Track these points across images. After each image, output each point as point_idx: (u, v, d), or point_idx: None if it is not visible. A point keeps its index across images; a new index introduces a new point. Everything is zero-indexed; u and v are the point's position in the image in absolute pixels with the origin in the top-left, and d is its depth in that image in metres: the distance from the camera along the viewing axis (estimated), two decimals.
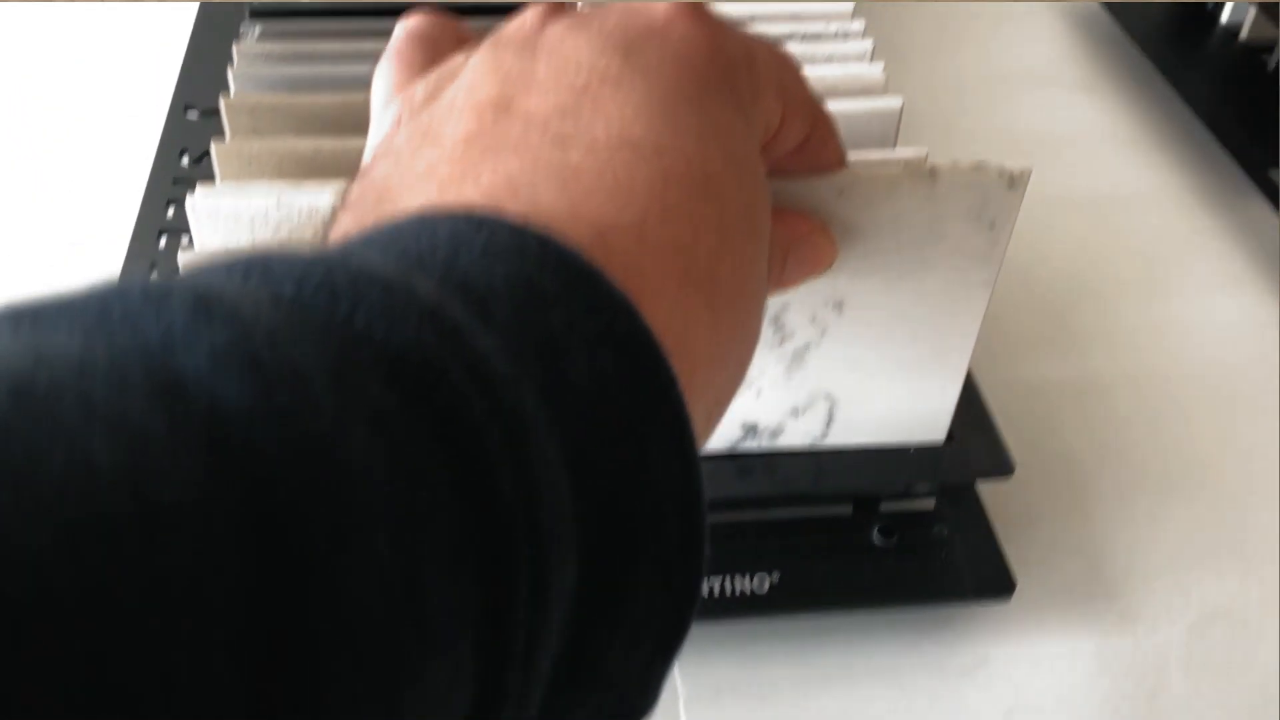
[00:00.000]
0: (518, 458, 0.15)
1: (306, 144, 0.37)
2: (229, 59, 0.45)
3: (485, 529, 0.15)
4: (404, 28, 0.27)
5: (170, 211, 0.50)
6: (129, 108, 0.61)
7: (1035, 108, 0.63)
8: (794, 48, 0.42)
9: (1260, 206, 0.55)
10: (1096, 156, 0.60)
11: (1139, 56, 0.65)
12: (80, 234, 0.54)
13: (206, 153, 0.53)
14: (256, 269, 0.16)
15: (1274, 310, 0.51)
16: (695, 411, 0.19)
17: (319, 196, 0.35)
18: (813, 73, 0.41)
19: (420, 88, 0.25)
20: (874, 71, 0.41)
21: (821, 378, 0.35)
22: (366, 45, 0.41)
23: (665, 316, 0.19)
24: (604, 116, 0.21)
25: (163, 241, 0.49)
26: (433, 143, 0.22)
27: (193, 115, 0.55)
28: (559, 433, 0.16)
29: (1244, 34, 0.64)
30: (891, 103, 0.40)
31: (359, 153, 0.38)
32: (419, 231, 0.18)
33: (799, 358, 0.34)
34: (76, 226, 0.54)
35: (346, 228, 0.22)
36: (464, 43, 0.28)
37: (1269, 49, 0.61)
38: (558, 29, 0.23)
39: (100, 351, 0.13)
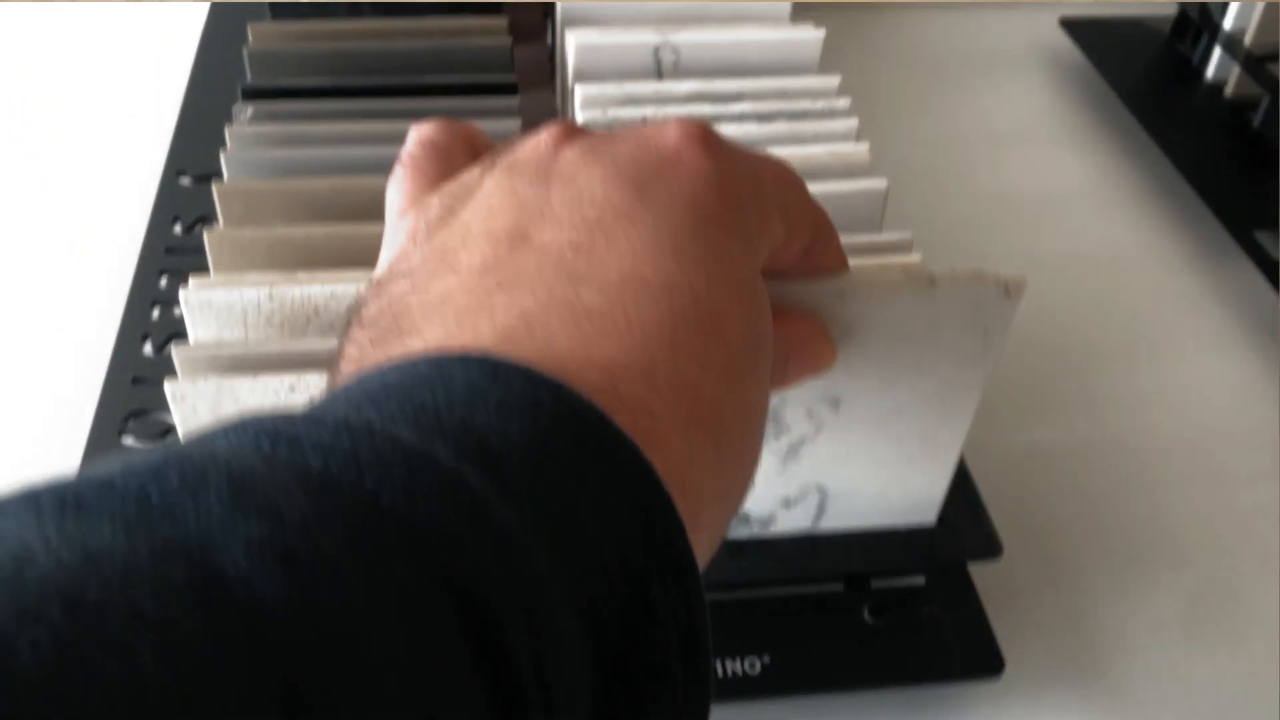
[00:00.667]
0: (533, 630, 0.16)
1: (298, 231, 0.38)
2: (220, 126, 0.45)
3: (503, 701, 0.16)
4: (417, 135, 0.28)
5: (163, 281, 0.51)
6: (130, 108, 0.62)
7: (1021, 164, 0.64)
8: (781, 126, 0.43)
9: (1247, 266, 0.55)
10: (1081, 215, 0.61)
11: (1123, 112, 0.65)
12: (80, 234, 0.54)
13: (199, 219, 0.54)
14: (284, 439, 0.16)
15: (1263, 374, 0.52)
16: (698, 543, 0.20)
17: (311, 288, 0.35)
18: (799, 152, 0.41)
19: (435, 204, 0.25)
20: (859, 151, 0.42)
21: (815, 471, 0.35)
22: (357, 127, 0.42)
23: (674, 459, 0.20)
24: (616, 254, 0.22)
25: (156, 313, 0.49)
26: (449, 269, 0.22)
27: (185, 181, 0.56)
28: (572, 595, 0.17)
29: (1229, 90, 0.64)
30: (877, 184, 0.40)
31: (349, 239, 0.38)
32: (435, 382, 0.18)
33: (794, 451, 0.34)
34: (76, 227, 0.55)
35: (362, 346, 0.22)
36: (477, 150, 0.28)
37: (1253, 106, 0.62)
38: (572, 156, 0.24)
39: (143, 549, 0.14)
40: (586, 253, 0.22)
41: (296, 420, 0.17)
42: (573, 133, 0.25)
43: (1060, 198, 0.62)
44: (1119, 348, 0.53)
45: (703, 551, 0.21)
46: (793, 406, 0.33)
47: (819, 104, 0.44)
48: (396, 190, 0.27)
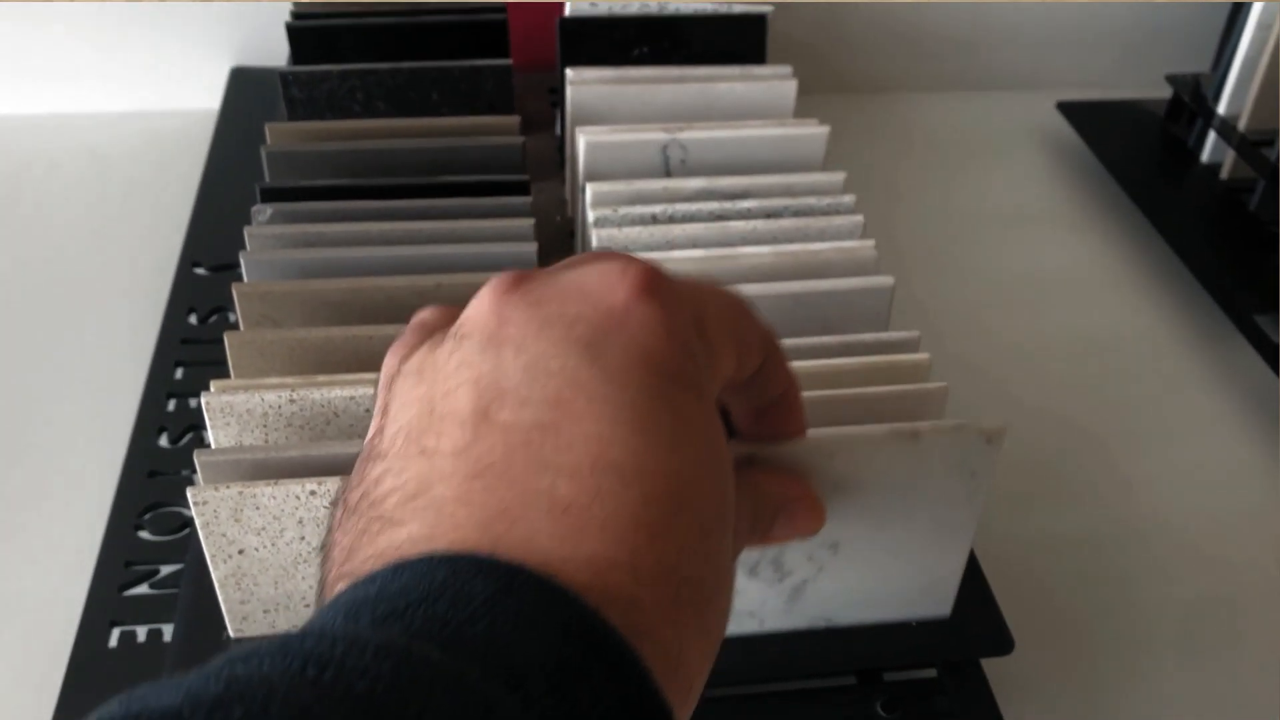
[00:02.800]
0: None
1: (317, 333, 0.38)
2: (234, 217, 0.46)
3: None
4: (415, 318, 0.28)
5: (179, 373, 0.52)
6: (145, 199, 0.62)
7: (1019, 247, 0.65)
8: (787, 223, 0.44)
9: (1246, 349, 0.56)
10: (1081, 297, 0.62)
11: (1120, 194, 0.67)
12: (95, 325, 0.54)
13: (215, 310, 0.55)
14: (330, 666, 0.17)
15: (1265, 457, 0.52)
16: (688, 712, 0.21)
17: (331, 391, 0.36)
18: (806, 249, 0.42)
19: (400, 381, 0.25)
20: (865, 247, 0.42)
21: (821, 605, 0.36)
22: (374, 227, 0.43)
23: (664, 645, 0.21)
24: (583, 435, 0.22)
25: (171, 404, 0.50)
26: (422, 454, 0.23)
27: (200, 271, 0.57)
28: None
29: (1224, 172, 0.65)
30: (883, 281, 0.41)
31: (368, 341, 0.39)
32: (455, 593, 0.19)
33: (798, 591, 0.36)
34: (92, 318, 0.55)
35: (351, 534, 0.23)
36: None
37: (1249, 188, 0.63)
38: (519, 319, 0.23)
39: None
40: (553, 434, 0.22)
41: (337, 644, 0.18)
42: (515, 286, 0.24)
43: (1059, 280, 0.63)
44: (1122, 431, 0.53)
45: (689, 713, 0.22)
46: (793, 552, 0.35)
47: (825, 200, 0.45)
48: (386, 366, 0.27)
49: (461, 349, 0.24)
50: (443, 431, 0.23)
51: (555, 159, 0.59)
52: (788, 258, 0.42)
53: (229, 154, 0.64)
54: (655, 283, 0.24)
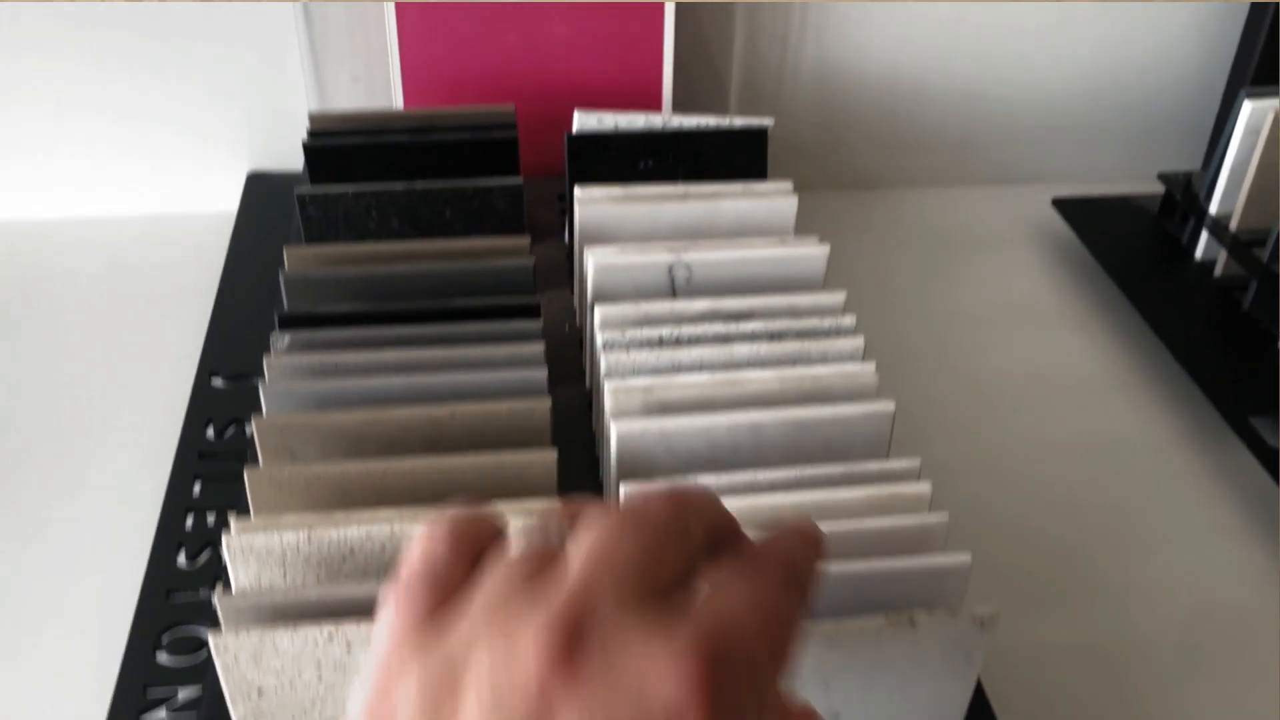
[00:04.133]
0: None
1: (332, 468, 0.39)
2: (251, 327, 0.47)
3: None
4: (419, 549, 0.26)
5: (197, 488, 0.53)
6: (162, 310, 0.64)
7: (1014, 344, 0.66)
8: (790, 345, 0.45)
9: (1243, 451, 0.57)
10: (1076, 397, 0.63)
11: (1115, 291, 0.68)
12: (114, 439, 0.55)
13: (232, 421, 0.56)
14: None
15: (1263, 562, 0.53)
16: None
17: (347, 530, 0.37)
18: (809, 374, 0.43)
19: (413, 697, 0.23)
20: (866, 372, 0.44)
21: None
22: (389, 355, 0.44)
23: None
24: None
25: (189, 521, 0.51)
26: None
27: (218, 382, 0.58)
28: None
29: (1218, 270, 0.67)
30: (884, 407, 0.42)
31: (383, 475, 0.40)
32: None
33: None
34: (111, 431, 0.56)
35: None
36: (481, 547, 0.27)
37: (1243, 286, 0.64)
38: (566, 712, 0.22)
39: None
40: None
41: None
42: (566, 660, 0.22)
43: (1054, 379, 0.64)
44: (1119, 536, 0.54)
45: None
46: None
47: (826, 321, 0.46)
48: (384, 624, 0.25)
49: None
50: None
51: (564, 266, 0.61)
52: (791, 383, 0.43)
53: (246, 261, 0.66)
54: (711, 679, 0.22)
